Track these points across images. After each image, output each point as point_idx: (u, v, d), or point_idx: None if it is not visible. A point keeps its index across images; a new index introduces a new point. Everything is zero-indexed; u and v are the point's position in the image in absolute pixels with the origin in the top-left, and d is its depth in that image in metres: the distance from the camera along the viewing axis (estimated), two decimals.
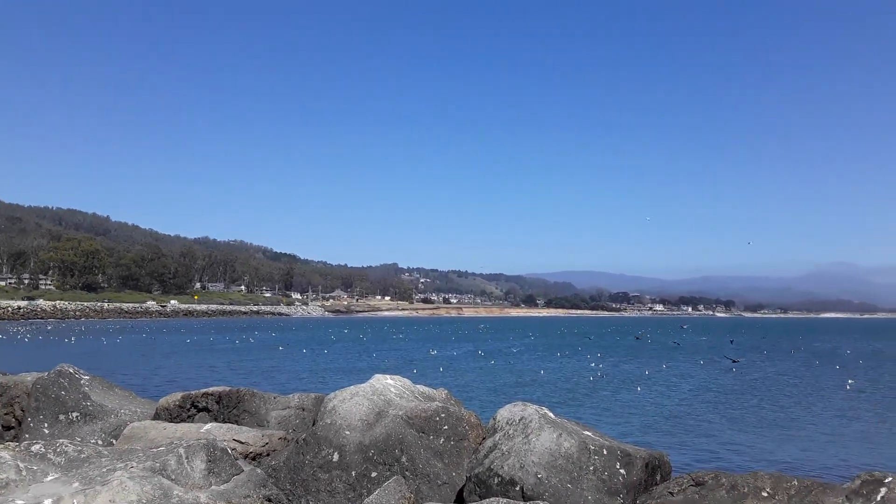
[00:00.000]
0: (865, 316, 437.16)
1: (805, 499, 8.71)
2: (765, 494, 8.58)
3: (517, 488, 7.83)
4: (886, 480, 8.67)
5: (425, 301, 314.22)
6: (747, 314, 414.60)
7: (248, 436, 9.45)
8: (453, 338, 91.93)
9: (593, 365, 49.50)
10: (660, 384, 39.05)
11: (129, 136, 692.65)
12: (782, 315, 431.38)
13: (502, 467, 8.06)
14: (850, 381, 40.85)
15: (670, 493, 8.51)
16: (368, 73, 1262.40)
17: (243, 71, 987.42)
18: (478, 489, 8.11)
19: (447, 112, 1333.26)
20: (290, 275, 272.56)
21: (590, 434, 8.94)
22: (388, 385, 9.89)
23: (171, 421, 10.78)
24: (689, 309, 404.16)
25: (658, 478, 9.36)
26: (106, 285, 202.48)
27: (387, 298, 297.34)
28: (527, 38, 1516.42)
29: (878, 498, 8.22)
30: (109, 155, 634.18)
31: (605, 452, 8.45)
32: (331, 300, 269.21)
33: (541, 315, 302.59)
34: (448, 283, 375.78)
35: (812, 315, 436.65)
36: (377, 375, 10.16)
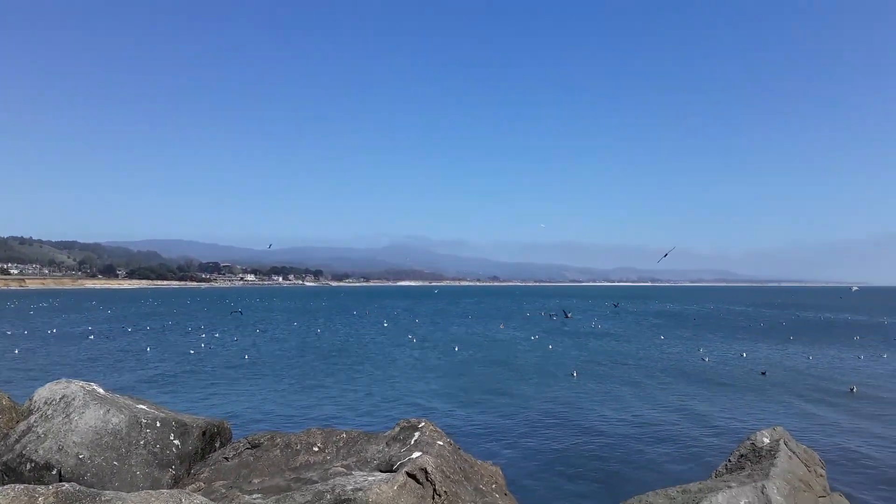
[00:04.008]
0: (433, 284, 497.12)
1: (352, 449, 9.59)
2: (316, 449, 9.21)
3: (54, 472, 7.14)
4: (420, 425, 10.03)
5: None
6: (334, 283, 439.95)
7: None
8: (31, 312, 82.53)
9: (204, 336, 48.74)
10: (259, 352, 39.71)
11: None
12: (365, 283, 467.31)
13: (37, 451, 7.28)
14: (409, 336, 47.83)
15: (226, 458, 8.61)
16: None
17: None
18: (7, 478, 7.20)
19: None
20: None
21: (144, 408, 8.58)
22: None
23: None
24: (280, 279, 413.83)
25: (217, 444, 9.42)
26: None
27: None
28: None
29: (412, 441, 9.52)
30: None
31: (158, 425, 8.18)
32: None
33: (122, 287, 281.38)
34: (7, 252, 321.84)
35: (391, 283, 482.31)
36: None
